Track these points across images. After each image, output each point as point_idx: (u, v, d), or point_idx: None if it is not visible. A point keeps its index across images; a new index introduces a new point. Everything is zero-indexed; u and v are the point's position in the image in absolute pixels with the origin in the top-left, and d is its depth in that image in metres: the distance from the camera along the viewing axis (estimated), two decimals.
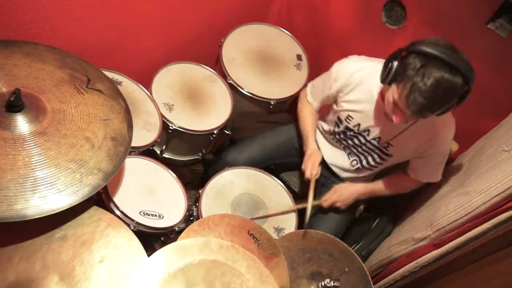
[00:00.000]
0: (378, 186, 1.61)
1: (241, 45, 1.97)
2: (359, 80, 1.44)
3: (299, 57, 2.04)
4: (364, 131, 1.51)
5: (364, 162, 1.60)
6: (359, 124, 1.50)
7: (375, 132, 1.49)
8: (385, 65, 1.27)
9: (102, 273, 1.07)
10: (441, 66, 1.13)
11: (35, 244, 1.07)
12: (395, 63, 1.23)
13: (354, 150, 1.61)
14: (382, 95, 1.41)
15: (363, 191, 1.60)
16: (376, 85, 1.42)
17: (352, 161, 1.64)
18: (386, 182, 1.60)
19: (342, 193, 1.57)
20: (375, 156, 1.56)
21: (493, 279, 1.21)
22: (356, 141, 1.56)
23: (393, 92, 1.25)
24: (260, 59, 1.97)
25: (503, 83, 1.53)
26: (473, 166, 1.43)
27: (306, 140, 1.64)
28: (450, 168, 1.64)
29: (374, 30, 1.83)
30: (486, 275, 1.23)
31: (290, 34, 2.09)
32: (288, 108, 2.03)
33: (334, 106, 1.56)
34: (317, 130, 1.73)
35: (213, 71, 1.89)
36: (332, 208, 1.62)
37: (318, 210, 1.65)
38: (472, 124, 1.63)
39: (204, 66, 1.89)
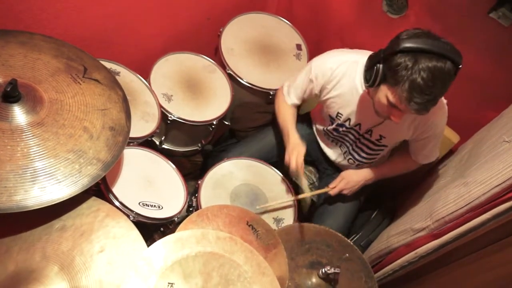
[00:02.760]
0: (383, 170, 1.60)
1: (240, 34, 1.95)
2: (341, 75, 1.41)
3: (299, 47, 2.02)
4: (355, 125, 1.50)
5: (359, 158, 1.61)
6: (349, 119, 1.49)
7: (366, 125, 1.48)
8: (368, 68, 1.24)
9: (102, 263, 1.08)
10: (432, 58, 1.11)
11: (34, 235, 1.07)
12: (380, 66, 1.19)
13: (350, 148, 1.60)
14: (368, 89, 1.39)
15: (370, 176, 1.59)
16: (359, 78, 1.39)
17: (349, 159, 1.64)
18: (391, 164, 1.60)
19: (349, 181, 1.56)
20: (369, 150, 1.56)
21: (492, 269, 1.22)
22: (351, 136, 1.56)
23: (386, 94, 1.21)
24: (260, 49, 1.95)
25: (504, 73, 1.52)
26: (473, 157, 1.43)
27: (287, 134, 1.54)
28: (450, 158, 1.63)
29: (375, 19, 1.81)
30: (485, 265, 1.24)
31: (290, 24, 2.07)
32: None
33: (323, 105, 1.55)
34: (314, 131, 1.73)
35: (212, 61, 1.87)
36: (340, 200, 1.62)
37: (325, 201, 1.66)
38: (472, 115, 1.63)
39: (203, 56, 1.87)
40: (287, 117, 1.58)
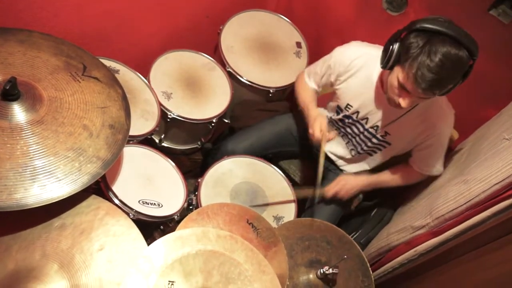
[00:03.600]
0: (382, 178, 1.60)
1: (240, 32, 1.95)
2: (359, 66, 1.43)
3: (298, 45, 2.01)
4: (363, 118, 1.50)
5: (359, 149, 1.60)
6: (357, 112, 1.49)
7: (373, 120, 1.48)
8: (385, 49, 1.26)
9: (101, 261, 1.08)
10: (446, 40, 1.12)
11: (34, 233, 1.07)
12: (396, 45, 1.21)
13: (353, 140, 1.60)
14: (381, 81, 1.40)
15: (367, 182, 1.60)
16: (376, 72, 1.40)
17: (351, 150, 1.64)
18: (390, 173, 1.60)
19: (346, 184, 1.56)
20: (371, 144, 1.56)
21: (492, 267, 1.22)
22: (354, 129, 1.56)
23: (397, 75, 1.23)
24: (259, 47, 1.95)
25: (504, 71, 1.52)
26: (473, 154, 1.43)
27: (307, 109, 1.56)
28: (450, 156, 1.63)
29: (374, 16, 1.81)
30: (485, 263, 1.24)
31: (290, 21, 2.06)
32: (288, 96, 2.02)
33: (334, 95, 1.55)
34: None
35: (212, 59, 1.87)
36: (331, 199, 1.62)
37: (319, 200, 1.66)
38: (472, 112, 1.63)
39: (203, 54, 1.87)
40: (307, 98, 1.60)
